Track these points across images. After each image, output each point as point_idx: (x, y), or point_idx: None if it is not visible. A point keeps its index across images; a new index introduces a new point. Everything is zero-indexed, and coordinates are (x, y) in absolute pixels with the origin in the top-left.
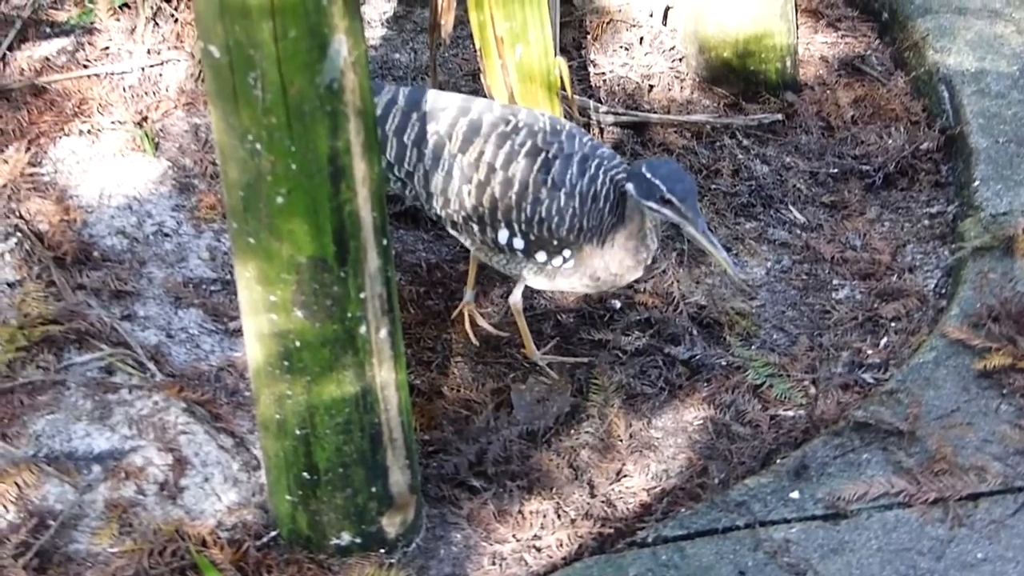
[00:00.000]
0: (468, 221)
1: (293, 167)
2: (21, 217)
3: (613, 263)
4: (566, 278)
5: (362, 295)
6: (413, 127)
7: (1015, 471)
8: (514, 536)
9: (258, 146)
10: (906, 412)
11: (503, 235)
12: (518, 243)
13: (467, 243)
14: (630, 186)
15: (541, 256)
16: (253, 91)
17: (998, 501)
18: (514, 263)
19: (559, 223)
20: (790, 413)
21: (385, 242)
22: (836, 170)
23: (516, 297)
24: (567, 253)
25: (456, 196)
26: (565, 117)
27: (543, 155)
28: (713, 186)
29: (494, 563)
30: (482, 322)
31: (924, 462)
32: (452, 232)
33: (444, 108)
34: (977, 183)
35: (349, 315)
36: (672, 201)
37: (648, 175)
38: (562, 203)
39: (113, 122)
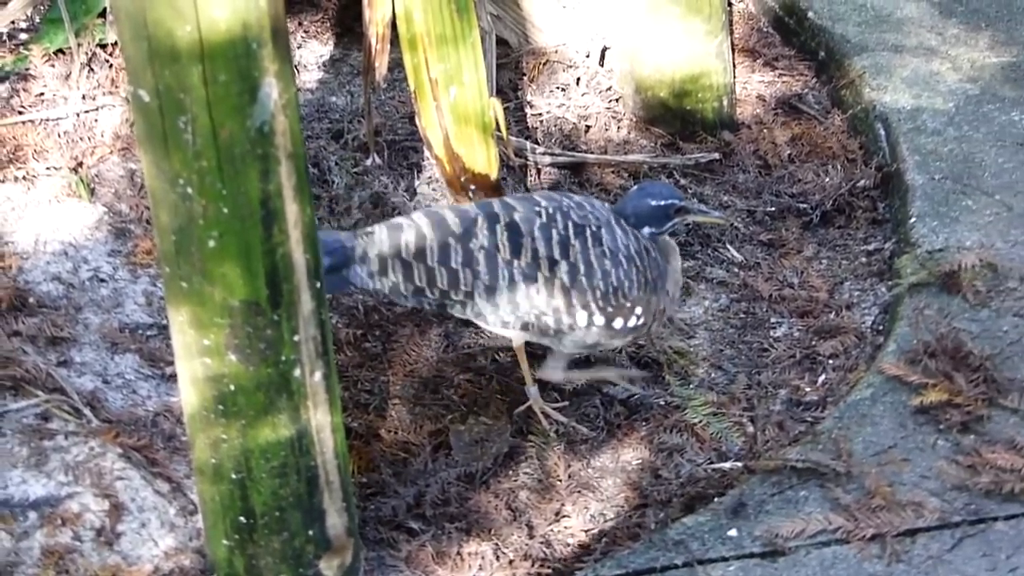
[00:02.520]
0: (541, 317)
1: (225, 211)
2: None
3: (667, 304)
4: (621, 337)
5: (296, 338)
6: (456, 251)
7: (952, 506)
8: None
9: (189, 190)
10: (843, 449)
11: (582, 318)
12: (598, 320)
13: (520, 338)
14: (647, 230)
15: (618, 323)
16: (183, 135)
17: (935, 536)
18: (568, 339)
19: (630, 287)
20: (728, 451)
21: (319, 285)
22: (773, 208)
23: (559, 375)
24: (639, 310)
25: (526, 299)
26: (500, 158)
27: (588, 230)
28: None
29: None
30: (554, 413)
31: (862, 498)
32: (502, 331)
33: (470, 221)
34: (914, 220)
35: (283, 358)
36: (683, 206)
37: (654, 203)
38: (625, 267)
39: (48, 168)
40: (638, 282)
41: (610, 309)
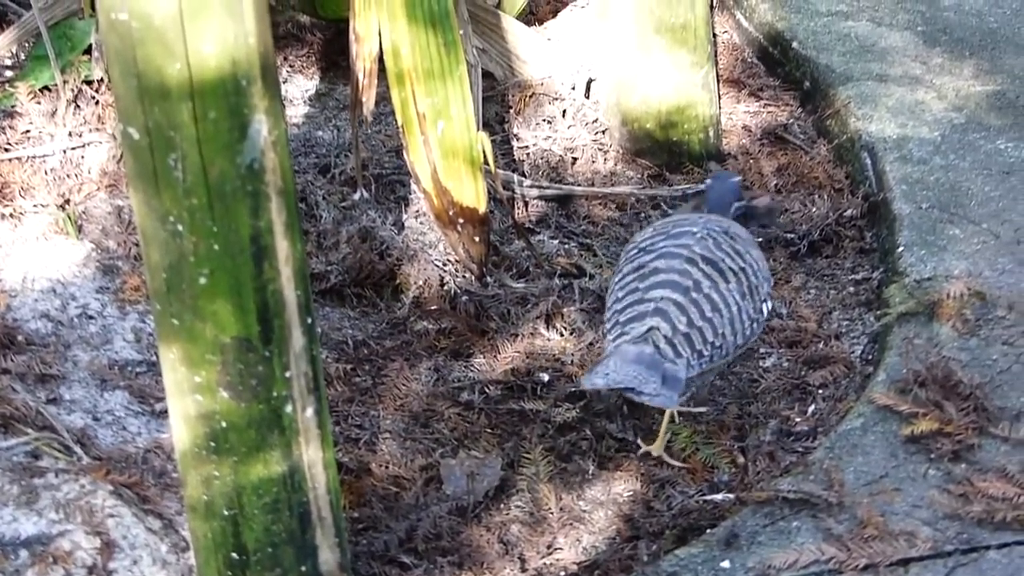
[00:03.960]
0: (754, 323)
1: (215, 248)
2: None
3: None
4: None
5: (287, 374)
6: (698, 306)
7: (944, 535)
8: None
9: (180, 227)
10: (834, 479)
11: (766, 307)
12: (768, 306)
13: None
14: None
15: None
16: (174, 172)
17: (928, 566)
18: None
19: (763, 270)
20: (719, 482)
21: (310, 320)
22: (761, 239)
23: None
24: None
25: (741, 320)
26: (488, 192)
27: (728, 239)
28: None
29: None
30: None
31: (854, 529)
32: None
33: (677, 275)
34: (901, 249)
35: (275, 395)
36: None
37: (736, 180)
38: (756, 253)
39: (35, 205)
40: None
41: (769, 300)
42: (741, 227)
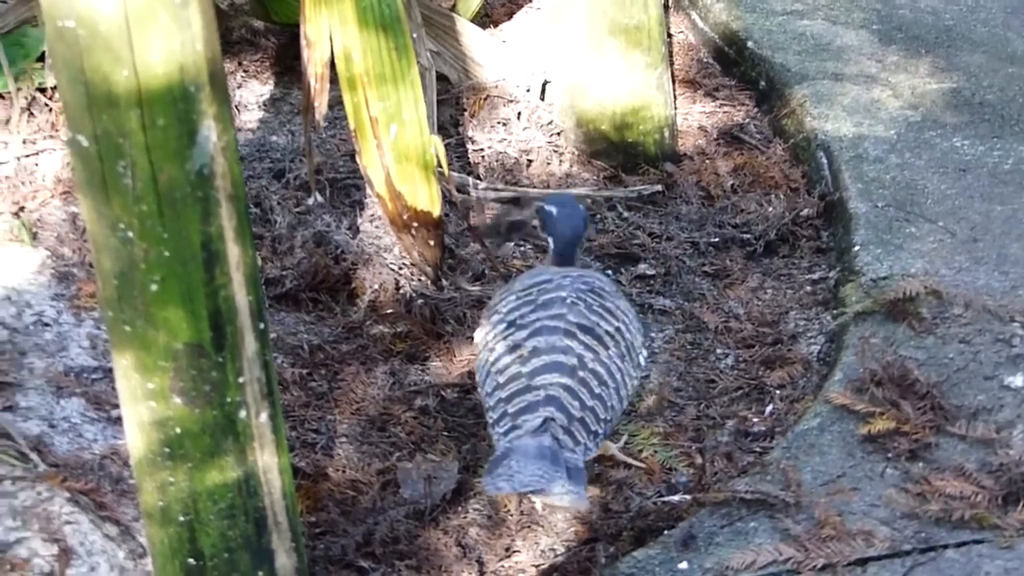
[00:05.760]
0: (634, 381)
1: (166, 254)
2: None
3: None
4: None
5: (240, 380)
6: (586, 385)
7: (902, 535)
8: None
9: (130, 234)
10: (791, 479)
11: (643, 358)
12: (644, 356)
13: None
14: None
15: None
16: (123, 180)
17: (886, 565)
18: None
19: (634, 322)
20: (677, 484)
21: (262, 326)
22: (717, 239)
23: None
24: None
25: (624, 384)
26: (442, 195)
27: (597, 298)
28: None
29: None
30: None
31: (811, 529)
32: None
33: (561, 354)
34: (857, 248)
35: (228, 400)
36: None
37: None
38: (624, 304)
39: None
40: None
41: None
42: (601, 276)
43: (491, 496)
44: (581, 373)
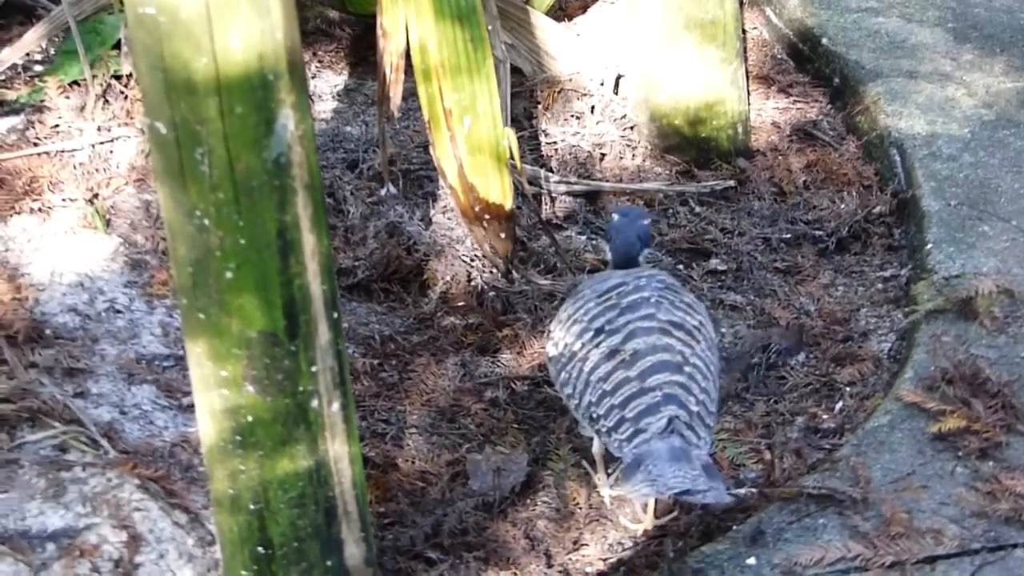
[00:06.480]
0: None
1: (242, 242)
2: None
3: None
4: None
5: (313, 369)
6: (694, 380)
7: (971, 533)
8: None
9: (206, 222)
10: (861, 476)
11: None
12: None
13: None
14: (647, 251)
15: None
16: (200, 167)
17: (955, 564)
18: None
19: (704, 313)
20: (745, 479)
21: (336, 315)
22: (789, 235)
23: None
24: None
25: (717, 375)
26: (515, 188)
27: (675, 295)
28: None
29: None
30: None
31: (880, 526)
32: None
33: (665, 353)
34: (930, 246)
35: (301, 389)
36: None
37: (646, 221)
38: (691, 297)
39: (64, 200)
40: None
41: None
42: (665, 274)
43: (639, 499)
44: (687, 368)
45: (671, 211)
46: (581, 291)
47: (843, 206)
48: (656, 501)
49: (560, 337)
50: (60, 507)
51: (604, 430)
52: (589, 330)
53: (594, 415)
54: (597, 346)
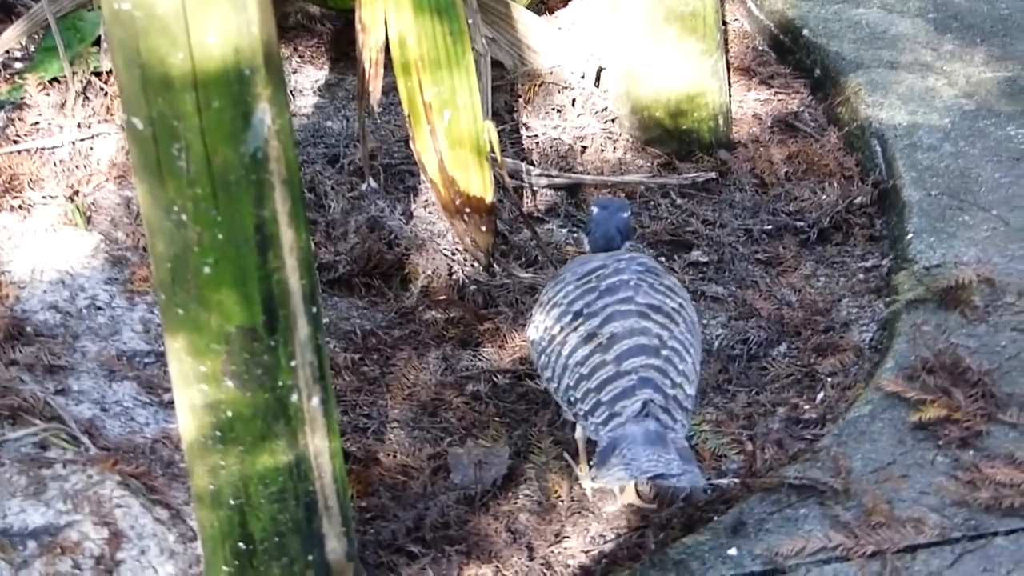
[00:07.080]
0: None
1: (220, 237)
2: None
3: None
4: None
5: (293, 363)
6: (671, 363)
7: (952, 522)
8: None
9: (184, 217)
10: (842, 466)
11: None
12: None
13: None
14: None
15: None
16: (177, 162)
17: (936, 552)
18: None
19: (686, 297)
20: (727, 470)
21: (315, 310)
22: (770, 226)
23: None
24: None
25: (696, 358)
26: (496, 181)
27: (655, 278)
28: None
29: None
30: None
31: (861, 516)
32: None
33: (642, 336)
34: (911, 236)
35: (280, 384)
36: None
37: (627, 214)
38: (673, 280)
39: (44, 197)
40: None
41: None
42: (647, 257)
43: (612, 486)
44: (664, 352)
45: (652, 203)
46: (562, 274)
47: (824, 197)
48: (637, 489)
49: (540, 320)
50: (41, 504)
51: (581, 414)
52: (568, 313)
53: (572, 399)
54: (575, 330)
